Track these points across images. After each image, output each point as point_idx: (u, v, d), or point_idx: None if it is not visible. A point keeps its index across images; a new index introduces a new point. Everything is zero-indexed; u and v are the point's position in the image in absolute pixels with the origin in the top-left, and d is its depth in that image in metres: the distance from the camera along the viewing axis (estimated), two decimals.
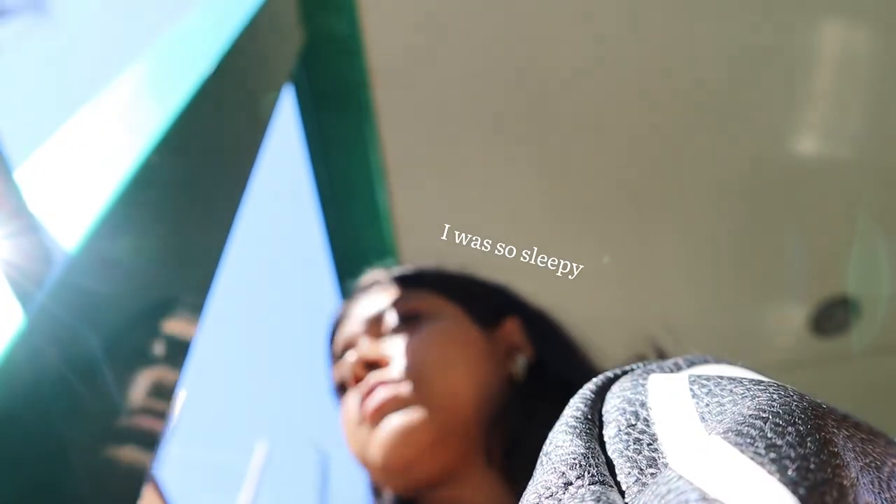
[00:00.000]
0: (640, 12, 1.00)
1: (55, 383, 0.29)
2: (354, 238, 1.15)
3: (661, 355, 0.55)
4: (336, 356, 0.66)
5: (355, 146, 1.08)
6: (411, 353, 0.57)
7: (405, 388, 0.55)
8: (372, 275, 0.70)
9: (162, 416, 0.38)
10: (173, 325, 0.40)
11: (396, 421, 0.54)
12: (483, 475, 0.54)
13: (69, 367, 0.30)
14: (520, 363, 0.59)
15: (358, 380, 0.58)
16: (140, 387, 0.36)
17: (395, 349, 0.58)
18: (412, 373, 0.56)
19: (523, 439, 0.52)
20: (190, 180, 0.44)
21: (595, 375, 0.29)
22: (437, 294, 0.63)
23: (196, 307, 0.44)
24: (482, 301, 0.64)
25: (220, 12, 0.58)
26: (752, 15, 1.01)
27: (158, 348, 0.38)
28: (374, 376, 0.56)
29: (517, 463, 0.52)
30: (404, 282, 0.66)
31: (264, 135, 0.61)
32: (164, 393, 0.38)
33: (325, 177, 1.10)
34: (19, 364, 0.26)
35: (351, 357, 0.59)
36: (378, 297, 0.65)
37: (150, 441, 0.36)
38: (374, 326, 0.62)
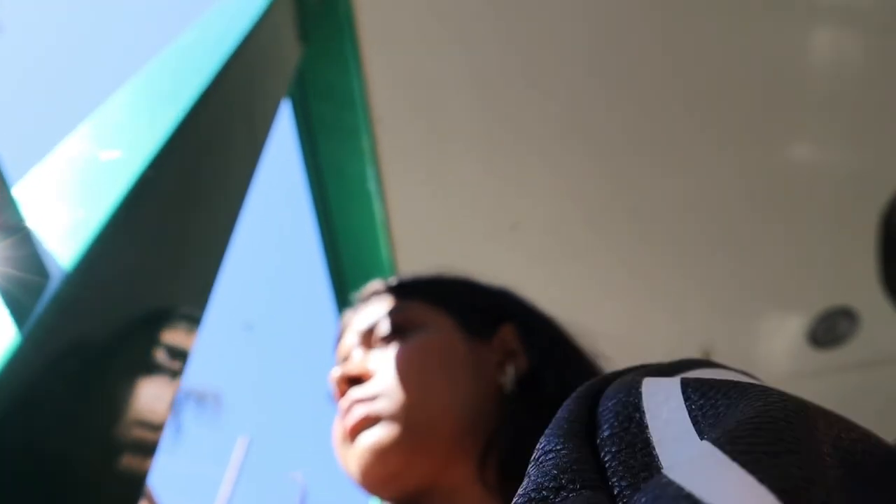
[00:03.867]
0: (633, 18, 1.01)
1: (50, 399, 0.29)
2: (351, 251, 1.16)
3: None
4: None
5: (352, 161, 1.09)
6: (391, 367, 0.57)
7: (380, 405, 0.55)
8: (372, 285, 0.71)
9: (157, 428, 0.38)
10: (170, 339, 0.40)
11: (367, 440, 0.54)
12: (477, 490, 0.54)
13: (64, 383, 0.30)
14: (508, 375, 0.59)
15: (342, 395, 0.59)
16: (136, 401, 0.36)
17: (380, 362, 0.59)
18: (389, 388, 0.56)
19: (517, 453, 0.51)
20: (187, 194, 0.44)
21: None
22: (429, 304, 0.63)
23: (193, 320, 0.44)
24: (476, 310, 0.64)
25: (218, 27, 0.59)
26: (744, 23, 1.01)
27: (154, 362, 0.38)
28: (354, 392, 0.57)
29: (512, 477, 0.52)
30: (399, 292, 0.66)
31: (262, 149, 0.62)
32: (159, 406, 0.38)
33: (323, 191, 1.10)
34: (14, 380, 0.26)
35: (335, 373, 0.60)
36: (373, 308, 0.65)
37: (146, 453, 0.36)
38: (367, 338, 0.63)
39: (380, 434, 0.54)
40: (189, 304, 0.44)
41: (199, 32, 0.58)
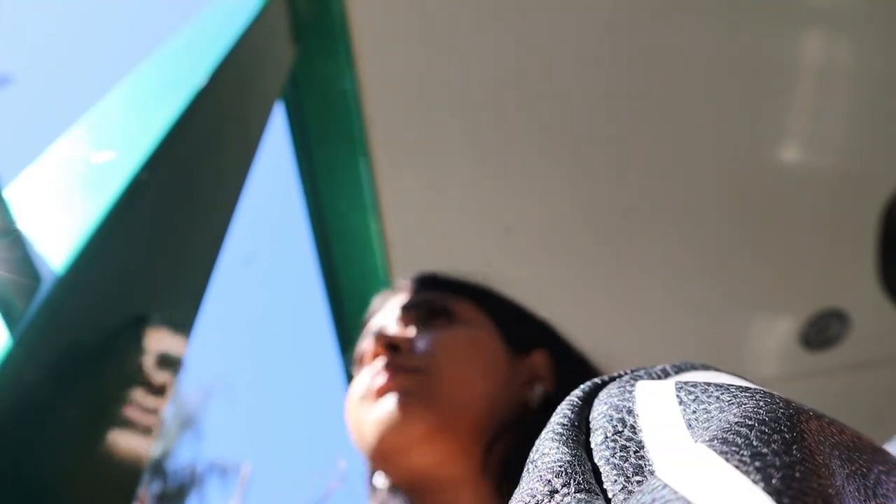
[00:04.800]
0: (625, 22, 1.01)
1: (42, 402, 0.29)
2: (345, 253, 1.15)
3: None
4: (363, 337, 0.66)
5: (345, 162, 1.09)
6: (434, 344, 0.58)
7: (417, 375, 0.56)
8: (421, 273, 0.71)
9: (150, 433, 0.38)
10: (162, 342, 0.40)
11: (395, 401, 0.54)
12: (479, 490, 0.54)
13: (56, 386, 0.30)
14: (537, 392, 0.59)
15: (375, 356, 0.58)
16: (128, 404, 0.35)
17: (425, 339, 0.59)
18: (429, 363, 0.56)
19: (520, 455, 0.51)
20: (180, 196, 0.44)
21: None
22: (476, 305, 0.64)
23: (185, 324, 0.44)
24: (517, 326, 0.65)
25: (212, 28, 0.59)
26: (733, 26, 1.02)
27: (147, 365, 0.38)
28: (391, 356, 0.57)
29: (511, 478, 0.52)
30: (448, 286, 0.67)
31: (255, 150, 0.62)
32: (153, 408, 0.38)
33: (316, 192, 1.10)
34: (5, 382, 0.26)
35: (377, 335, 0.59)
36: (422, 292, 0.66)
37: (139, 456, 0.36)
38: (407, 315, 0.63)
39: (408, 401, 0.54)
40: (181, 307, 0.44)
41: (192, 33, 0.58)
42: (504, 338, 0.62)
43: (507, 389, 0.59)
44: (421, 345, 0.58)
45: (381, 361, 0.57)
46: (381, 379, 0.55)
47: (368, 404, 0.56)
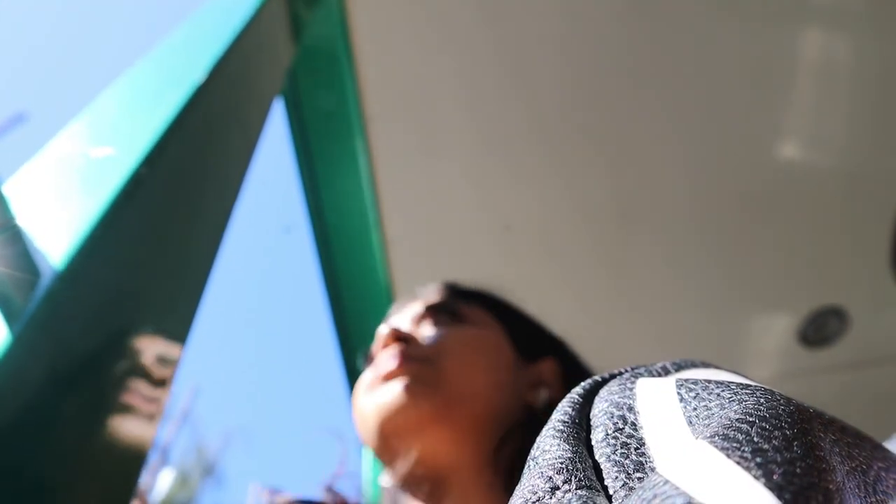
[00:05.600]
0: (623, 21, 1.01)
1: (41, 397, 0.28)
2: (344, 249, 1.15)
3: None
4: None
5: (345, 159, 1.09)
6: (442, 338, 0.60)
7: (424, 363, 0.57)
8: (437, 283, 0.73)
9: (150, 426, 0.38)
10: (162, 337, 0.40)
11: (400, 385, 0.55)
12: (479, 483, 0.54)
13: (55, 381, 0.29)
14: (542, 396, 0.61)
15: (385, 346, 0.60)
16: (128, 399, 0.35)
17: (433, 334, 0.61)
18: (436, 353, 0.58)
19: (527, 453, 0.52)
20: (179, 192, 0.44)
21: None
22: (487, 311, 0.66)
23: (186, 318, 0.44)
24: (528, 334, 0.67)
25: (211, 24, 0.59)
26: (733, 25, 1.02)
27: (147, 360, 0.38)
28: (401, 346, 0.59)
29: (515, 475, 0.52)
30: (460, 293, 0.69)
31: (254, 147, 0.61)
32: (152, 403, 0.38)
33: (315, 189, 1.10)
34: (4, 377, 0.26)
35: (384, 328, 0.61)
36: (431, 298, 0.68)
37: (139, 452, 0.36)
38: (420, 317, 0.65)
39: (414, 385, 0.55)
40: (181, 302, 0.44)
41: (192, 30, 0.58)
42: (514, 344, 0.64)
43: (511, 389, 0.60)
44: (429, 338, 0.60)
45: (390, 350, 0.58)
46: (390, 364, 0.57)
47: (374, 389, 0.57)
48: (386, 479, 0.61)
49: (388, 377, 0.56)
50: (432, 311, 0.65)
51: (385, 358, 0.58)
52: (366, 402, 0.58)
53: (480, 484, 0.55)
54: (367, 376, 0.59)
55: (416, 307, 0.67)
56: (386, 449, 0.56)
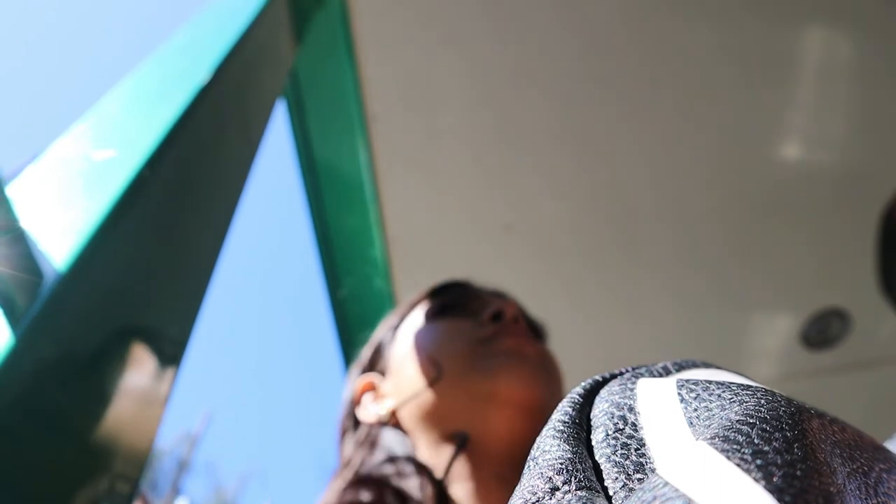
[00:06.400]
0: (625, 21, 1.01)
1: (43, 399, 0.29)
2: (345, 250, 1.15)
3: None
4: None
5: (347, 160, 1.09)
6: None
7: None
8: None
9: (150, 433, 0.38)
10: (165, 339, 0.40)
11: (554, 366, 0.58)
12: (501, 487, 0.54)
13: (58, 383, 0.30)
14: None
15: (516, 320, 0.60)
16: (130, 401, 0.36)
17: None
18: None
19: None
20: (181, 194, 0.44)
21: None
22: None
23: (188, 320, 0.44)
24: None
25: (213, 26, 0.59)
26: (737, 24, 1.02)
27: (148, 365, 0.38)
28: (531, 330, 0.63)
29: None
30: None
31: (256, 148, 0.62)
32: (154, 406, 0.38)
33: (317, 190, 1.10)
34: (7, 380, 0.26)
35: (510, 303, 0.62)
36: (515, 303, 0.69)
37: (140, 454, 0.36)
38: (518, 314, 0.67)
39: (557, 370, 0.58)
40: (184, 304, 0.44)
41: (194, 31, 0.58)
42: None
43: None
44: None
45: (523, 328, 0.60)
46: (533, 344, 0.58)
47: (513, 354, 0.56)
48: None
49: (539, 354, 0.57)
50: (523, 315, 0.66)
51: (521, 332, 0.59)
52: (494, 362, 0.55)
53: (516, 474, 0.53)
54: (480, 332, 0.58)
55: (512, 303, 0.65)
56: (510, 410, 0.54)
